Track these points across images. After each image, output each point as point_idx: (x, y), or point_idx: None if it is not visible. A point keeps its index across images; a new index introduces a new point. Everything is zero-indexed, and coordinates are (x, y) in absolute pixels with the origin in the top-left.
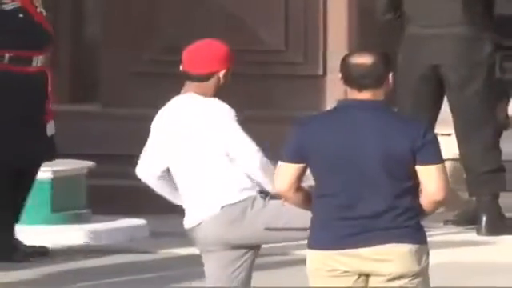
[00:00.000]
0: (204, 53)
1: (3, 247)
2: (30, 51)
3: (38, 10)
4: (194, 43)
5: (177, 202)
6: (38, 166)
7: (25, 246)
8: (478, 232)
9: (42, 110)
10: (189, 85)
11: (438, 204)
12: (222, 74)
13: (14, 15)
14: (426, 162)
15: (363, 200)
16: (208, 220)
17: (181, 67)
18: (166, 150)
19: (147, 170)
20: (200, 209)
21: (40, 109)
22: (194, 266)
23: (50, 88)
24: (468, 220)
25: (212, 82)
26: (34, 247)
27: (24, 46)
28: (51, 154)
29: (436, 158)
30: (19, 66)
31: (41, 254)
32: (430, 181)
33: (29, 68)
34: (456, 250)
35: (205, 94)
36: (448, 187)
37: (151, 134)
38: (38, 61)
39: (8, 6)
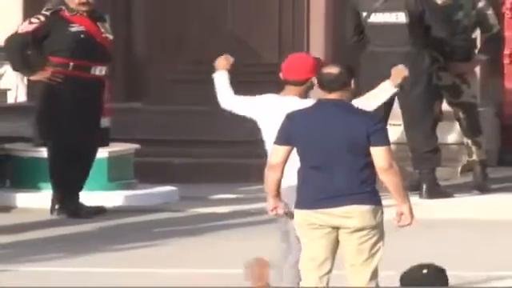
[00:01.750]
0: (300, 64)
1: (72, 208)
2: (89, 62)
3: (104, 35)
4: (290, 57)
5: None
6: (95, 149)
7: (87, 206)
8: (420, 196)
9: (98, 108)
10: (288, 89)
11: (387, 175)
12: (313, 79)
13: (76, 35)
14: (377, 144)
15: (333, 172)
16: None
17: (281, 75)
18: (264, 124)
19: (234, 100)
20: (286, 179)
21: (96, 107)
22: (212, 221)
23: (105, 92)
24: (412, 187)
25: (305, 85)
26: (94, 207)
27: (84, 58)
28: (105, 142)
29: (384, 141)
30: (80, 72)
31: (100, 212)
32: (379, 158)
33: (87, 75)
34: None
35: (300, 95)
36: (392, 162)
37: (255, 101)
38: (96, 70)
39: (74, 28)
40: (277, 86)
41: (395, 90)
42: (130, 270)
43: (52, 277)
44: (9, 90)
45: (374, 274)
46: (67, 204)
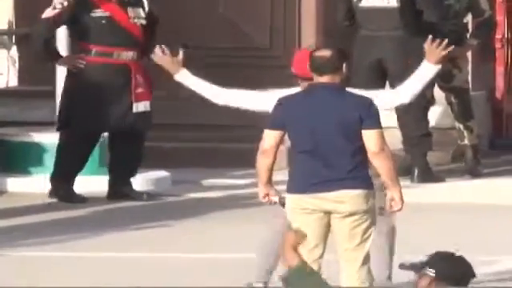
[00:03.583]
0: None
1: (63, 193)
2: (111, 47)
3: (132, 20)
4: (299, 53)
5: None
6: (131, 134)
7: (136, 191)
8: (412, 180)
9: (125, 93)
10: (303, 84)
11: (379, 158)
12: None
13: (97, 21)
14: (368, 127)
15: (325, 156)
16: None
17: (293, 70)
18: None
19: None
20: None
21: (122, 92)
22: (204, 206)
23: (135, 78)
24: (404, 171)
25: None
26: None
27: (106, 43)
28: (143, 126)
29: (376, 125)
30: (102, 58)
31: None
32: (371, 142)
33: (110, 60)
34: None
35: None
36: (383, 146)
37: (270, 97)
38: (121, 55)
39: (95, 14)
40: (268, 70)
41: (438, 67)
42: (121, 255)
43: (44, 261)
44: (0, 74)
45: (367, 259)
46: (59, 188)
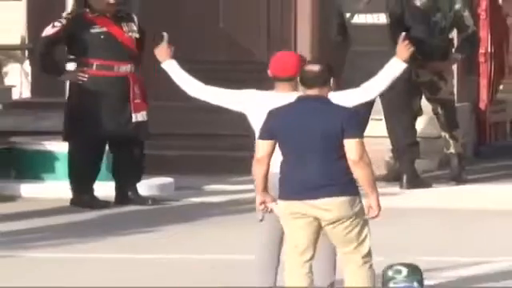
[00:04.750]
0: (289, 60)
1: (87, 199)
2: (111, 61)
3: (127, 34)
4: (277, 55)
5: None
6: (130, 143)
7: (142, 196)
8: (400, 186)
9: (125, 104)
10: (282, 86)
11: (358, 167)
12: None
13: (96, 36)
14: (349, 136)
15: (311, 164)
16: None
17: (270, 73)
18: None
19: (206, 90)
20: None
21: (122, 103)
22: (204, 210)
23: (133, 89)
24: (393, 178)
25: (295, 80)
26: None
27: (106, 58)
28: (141, 135)
29: (356, 134)
30: (103, 71)
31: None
32: (351, 150)
33: (111, 73)
34: (384, 199)
35: (296, 91)
36: (362, 155)
37: (243, 96)
38: (120, 68)
39: (94, 30)
40: (267, 84)
41: (405, 64)
42: (127, 256)
43: (54, 262)
44: (14, 86)
45: (367, 257)
46: (82, 195)
